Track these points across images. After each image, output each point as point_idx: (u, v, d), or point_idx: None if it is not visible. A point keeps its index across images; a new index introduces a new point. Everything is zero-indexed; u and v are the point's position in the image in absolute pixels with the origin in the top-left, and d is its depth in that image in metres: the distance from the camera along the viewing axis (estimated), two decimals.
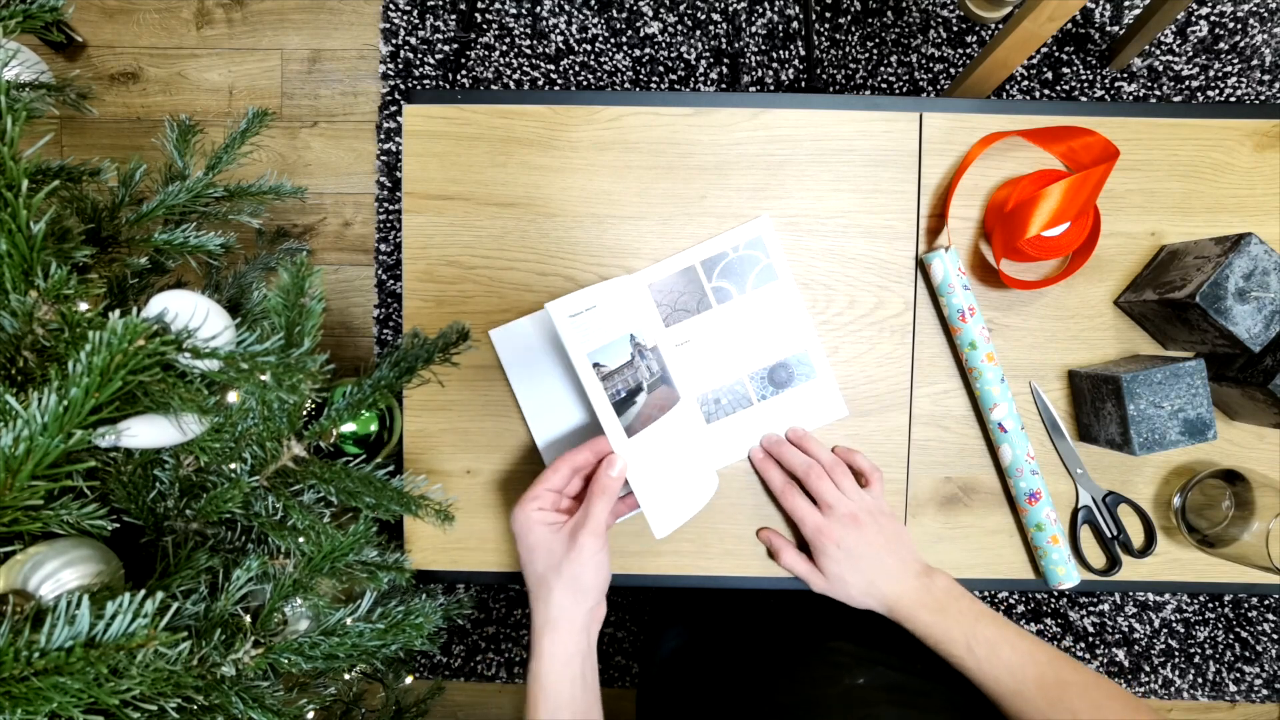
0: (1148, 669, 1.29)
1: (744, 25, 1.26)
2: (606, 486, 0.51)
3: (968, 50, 1.26)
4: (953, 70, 1.26)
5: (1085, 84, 1.24)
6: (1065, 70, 1.24)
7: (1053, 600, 1.29)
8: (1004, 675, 0.51)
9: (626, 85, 1.27)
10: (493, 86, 1.27)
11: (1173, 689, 1.29)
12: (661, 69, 1.27)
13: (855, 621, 0.61)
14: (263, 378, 0.37)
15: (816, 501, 0.58)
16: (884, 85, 1.27)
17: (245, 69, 1.28)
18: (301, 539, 0.46)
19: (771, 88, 1.27)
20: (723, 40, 1.26)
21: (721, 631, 0.69)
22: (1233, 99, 1.24)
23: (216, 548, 0.49)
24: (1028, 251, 0.58)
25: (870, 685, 0.54)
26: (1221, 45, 1.23)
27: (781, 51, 1.27)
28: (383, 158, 1.27)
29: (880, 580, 0.56)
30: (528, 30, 1.26)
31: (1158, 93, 1.24)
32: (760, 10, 1.26)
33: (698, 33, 1.26)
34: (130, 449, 0.44)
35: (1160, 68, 1.24)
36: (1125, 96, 1.25)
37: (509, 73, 1.27)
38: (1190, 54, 1.23)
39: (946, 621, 0.53)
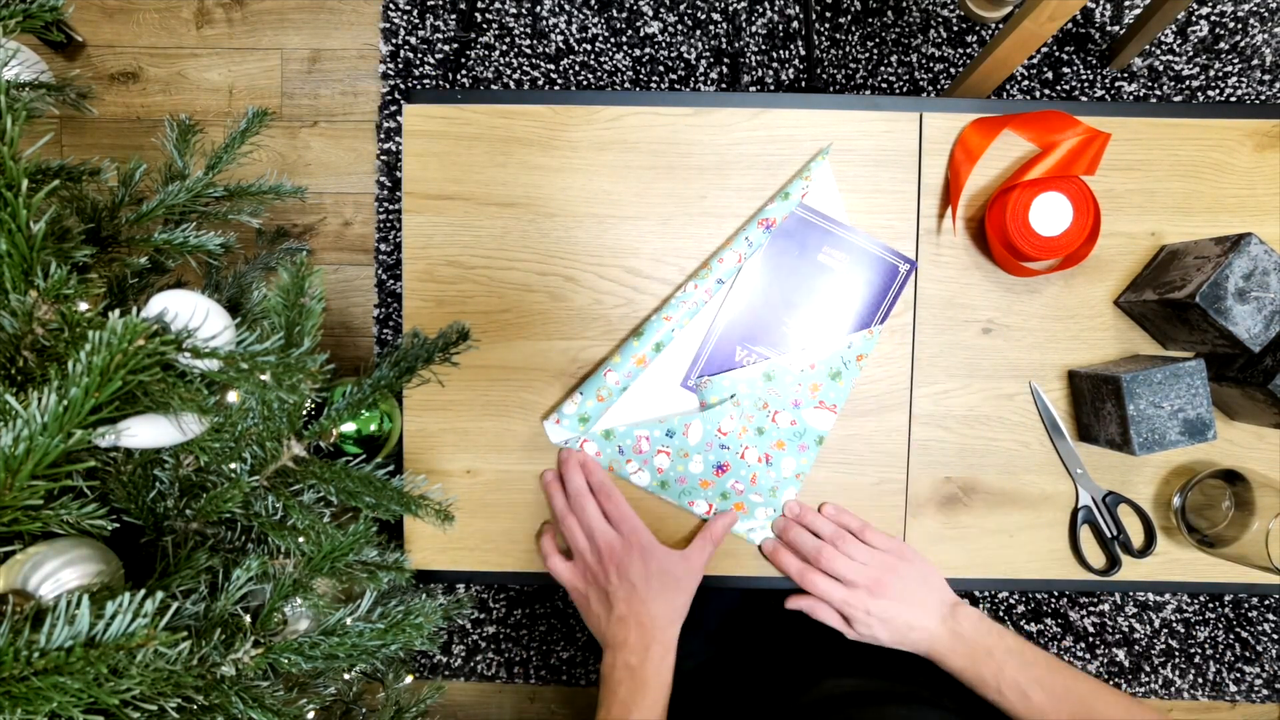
0: (1148, 669, 1.29)
1: (744, 25, 1.26)
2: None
3: (968, 50, 1.26)
4: (953, 70, 1.26)
5: (1085, 84, 1.24)
6: (1065, 70, 1.24)
7: (1053, 600, 1.29)
8: (1034, 714, 0.52)
9: (626, 85, 1.27)
10: (493, 86, 1.27)
11: (1173, 689, 1.29)
12: (661, 69, 1.27)
13: (871, 656, 0.62)
14: (263, 377, 0.37)
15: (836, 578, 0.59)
16: (884, 85, 1.27)
17: (245, 69, 1.28)
18: (301, 539, 0.46)
19: (771, 88, 1.27)
20: (723, 40, 1.26)
21: (735, 654, 0.69)
22: (1233, 99, 1.24)
23: (216, 548, 0.49)
24: (1027, 251, 0.58)
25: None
26: (1222, 45, 1.23)
27: (781, 51, 1.27)
28: (383, 158, 1.27)
29: (910, 634, 0.57)
30: (528, 30, 1.26)
31: (1158, 93, 1.24)
32: (760, 10, 1.26)
33: (698, 32, 1.26)
34: (130, 449, 0.44)
35: (1160, 67, 1.24)
36: (1125, 96, 1.25)
37: (509, 73, 1.27)
38: (1191, 54, 1.23)
39: (976, 667, 0.54)
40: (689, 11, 1.26)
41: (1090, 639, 1.29)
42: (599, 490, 0.60)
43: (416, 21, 1.26)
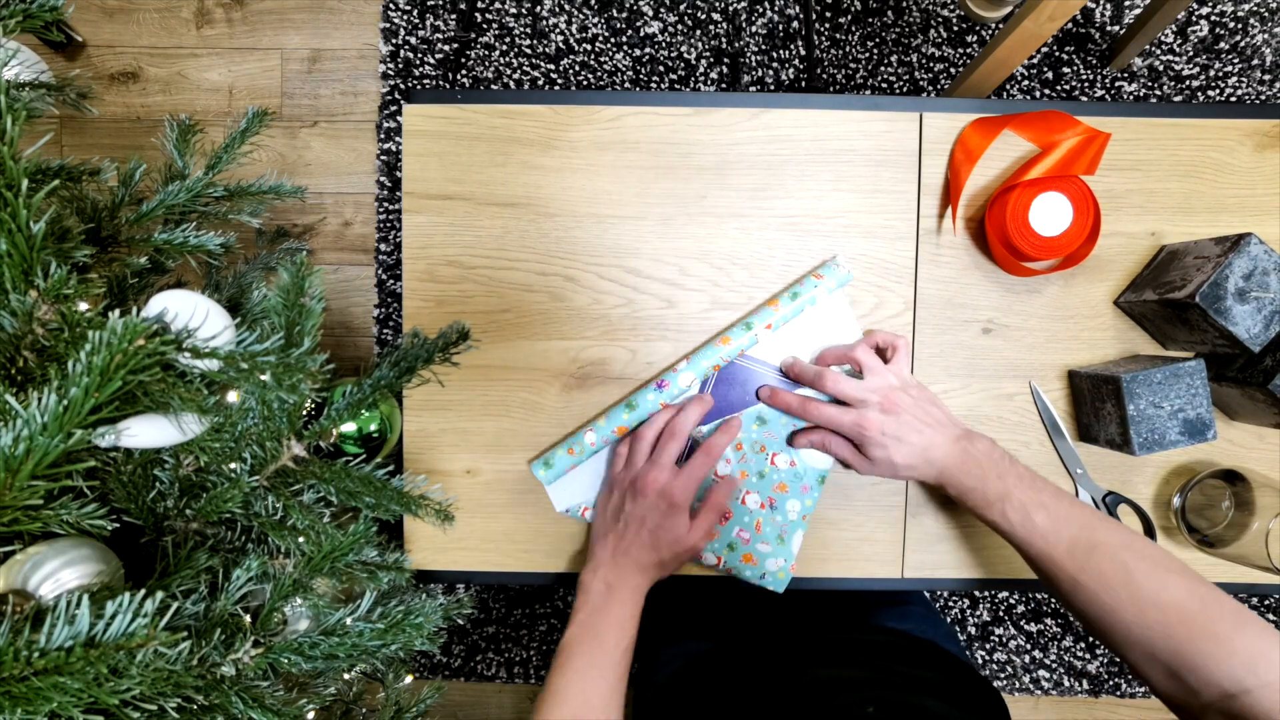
0: None
1: (744, 25, 1.26)
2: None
3: (968, 50, 1.26)
4: (953, 70, 1.26)
5: (1085, 84, 1.24)
6: (1065, 70, 1.24)
7: (1053, 600, 1.29)
8: (1036, 539, 0.51)
9: (626, 85, 1.27)
10: (493, 86, 1.27)
11: None
12: (661, 69, 1.27)
13: (856, 649, 0.61)
14: (263, 378, 0.37)
15: (844, 401, 0.57)
16: (884, 85, 1.27)
17: (245, 69, 1.28)
18: (301, 539, 0.46)
19: (772, 87, 1.27)
20: (723, 40, 1.26)
21: (722, 655, 0.69)
22: (1233, 99, 1.24)
23: (216, 548, 0.49)
24: (1027, 251, 0.58)
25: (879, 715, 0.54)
26: (1222, 45, 1.23)
27: (782, 51, 1.27)
28: (383, 158, 1.27)
29: (928, 454, 0.55)
30: (528, 30, 1.26)
31: (1158, 92, 1.24)
32: (760, 10, 1.26)
33: (698, 32, 1.26)
34: (130, 449, 0.44)
35: (1161, 67, 1.24)
36: (1125, 96, 1.25)
37: (509, 72, 1.27)
38: (1191, 54, 1.23)
39: (984, 486, 0.53)
40: (689, 11, 1.26)
41: (1090, 639, 1.29)
42: (679, 438, 0.59)
43: (416, 21, 1.26)
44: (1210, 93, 1.24)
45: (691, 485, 0.57)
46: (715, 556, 0.61)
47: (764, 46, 1.26)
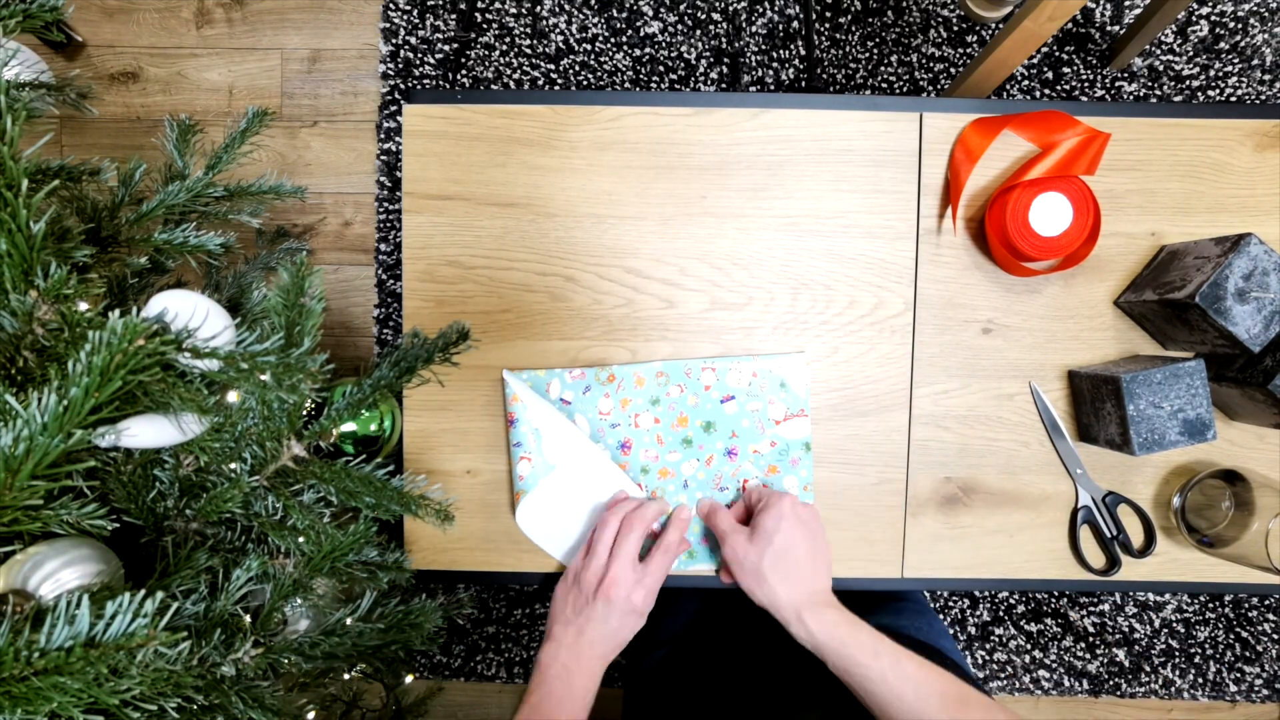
0: (1148, 669, 1.29)
1: (744, 25, 1.26)
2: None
3: (968, 50, 1.26)
4: (953, 70, 1.26)
5: (1085, 84, 1.24)
6: (1066, 70, 1.24)
7: (1053, 600, 1.29)
8: (908, 688, 0.50)
9: (626, 85, 1.27)
10: (493, 86, 1.27)
11: (1173, 689, 1.29)
12: (661, 69, 1.27)
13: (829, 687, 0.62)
14: (263, 378, 0.37)
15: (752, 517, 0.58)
16: (884, 85, 1.27)
17: (245, 69, 1.28)
18: (301, 539, 0.46)
19: (771, 88, 1.27)
20: (723, 40, 1.26)
21: (703, 646, 0.70)
22: (1233, 99, 1.24)
23: (216, 548, 0.48)
24: (1027, 251, 0.58)
25: None
26: (1222, 45, 1.23)
27: (781, 51, 1.27)
28: (383, 158, 1.27)
29: (805, 582, 0.55)
30: (528, 30, 1.26)
31: (1158, 93, 1.24)
32: (760, 10, 1.26)
33: (698, 32, 1.26)
34: (130, 449, 0.44)
35: (1161, 67, 1.24)
36: (1125, 96, 1.25)
37: (509, 73, 1.27)
38: (1191, 54, 1.23)
39: (856, 630, 0.53)
40: (689, 11, 1.26)
41: (1090, 639, 1.29)
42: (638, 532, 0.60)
43: (416, 21, 1.26)
44: (1210, 93, 1.24)
45: (653, 590, 0.58)
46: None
47: (764, 46, 1.26)
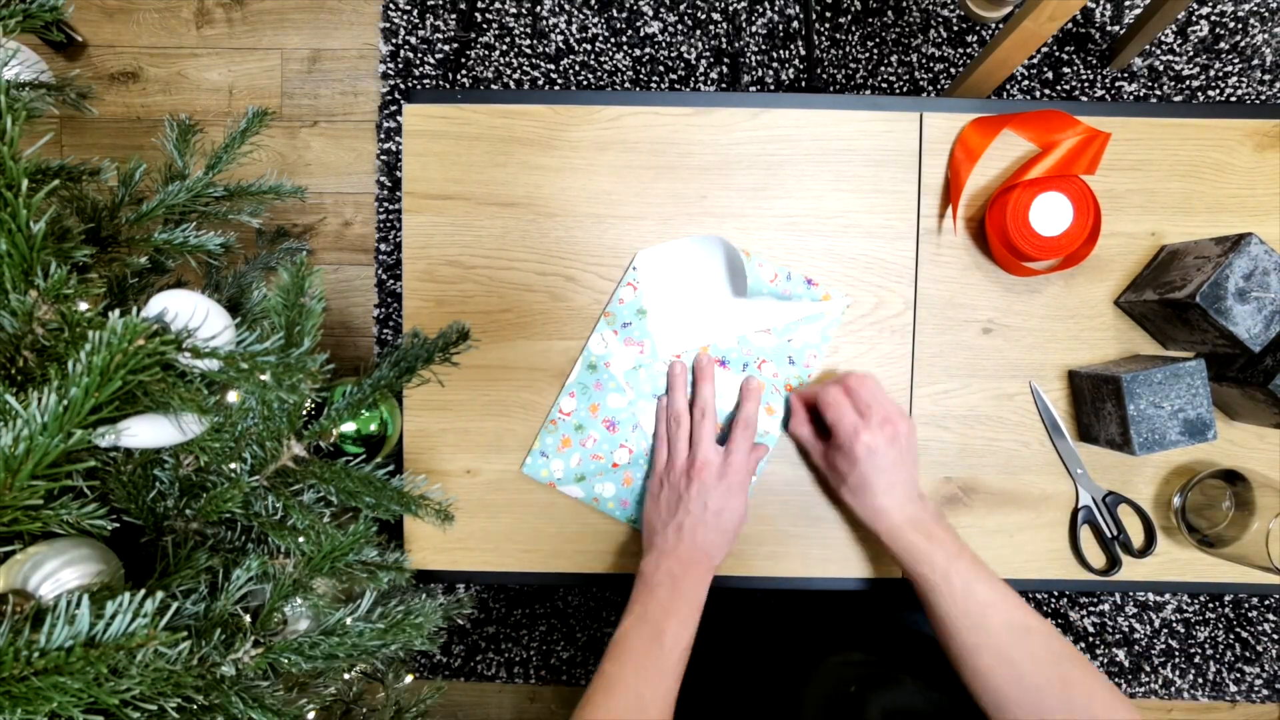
0: (1148, 669, 1.29)
1: (744, 25, 1.26)
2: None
3: (968, 50, 1.26)
4: (953, 70, 1.26)
5: (1086, 84, 1.24)
6: (1066, 70, 1.24)
7: (1053, 600, 1.29)
8: (974, 608, 0.50)
9: (626, 85, 1.27)
10: (493, 86, 1.27)
11: (1173, 689, 1.29)
12: (661, 69, 1.27)
13: (859, 634, 0.62)
14: (263, 377, 0.37)
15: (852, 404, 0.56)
16: (884, 85, 1.27)
17: (245, 69, 1.28)
18: (301, 539, 0.46)
19: (771, 87, 1.27)
20: (723, 40, 1.26)
21: (726, 641, 0.69)
22: (1233, 99, 1.24)
23: (216, 547, 0.48)
24: (1028, 251, 0.58)
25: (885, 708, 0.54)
26: (1222, 45, 1.23)
27: (782, 51, 1.27)
28: (383, 157, 1.27)
29: (890, 496, 0.54)
30: (528, 30, 1.26)
31: (1158, 92, 1.24)
32: (760, 10, 1.26)
33: (698, 32, 1.26)
34: (130, 449, 0.44)
35: (1161, 67, 1.24)
36: (1126, 96, 1.25)
37: (509, 72, 1.27)
38: (1191, 54, 1.23)
39: (931, 545, 0.52)
40: (689, 11, 1.26)
41: (1090, 639, 1.29)
42: (710, 415, 0.59)
43: (416, 21, 1.26)
44: (1210, 93, 1.24)
45: (741, 466, 0.57)
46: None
47: (764, 46, 1.26)
